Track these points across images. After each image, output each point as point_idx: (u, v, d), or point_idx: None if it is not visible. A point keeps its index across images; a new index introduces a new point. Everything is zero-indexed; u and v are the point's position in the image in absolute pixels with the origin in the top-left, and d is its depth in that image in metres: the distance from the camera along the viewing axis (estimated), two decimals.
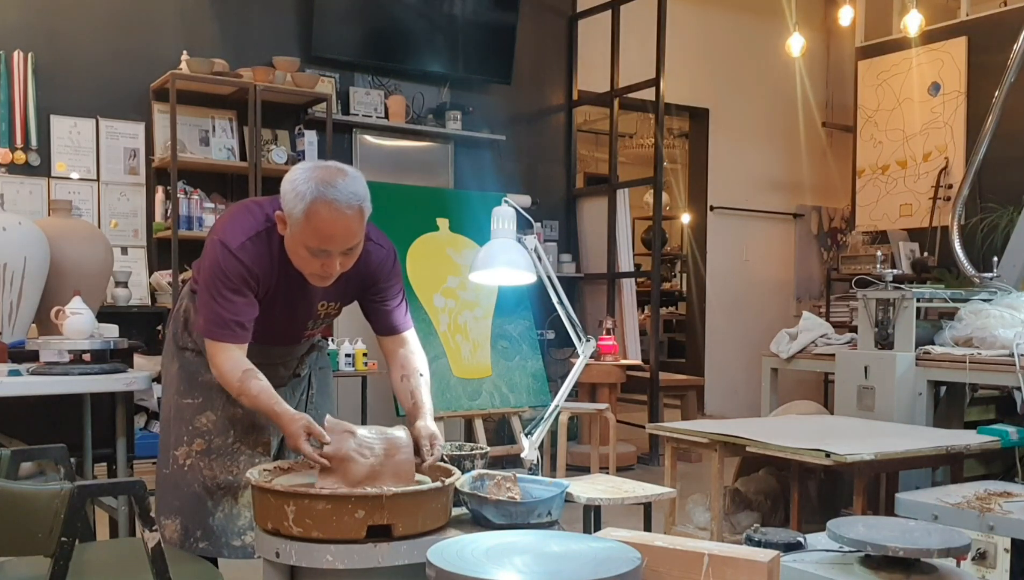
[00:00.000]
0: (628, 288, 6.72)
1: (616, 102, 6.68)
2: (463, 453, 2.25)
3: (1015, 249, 4.72)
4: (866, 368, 3.91)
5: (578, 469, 5.21)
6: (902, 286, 3.99)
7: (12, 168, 4.92)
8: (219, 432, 2.30)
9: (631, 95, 6.57)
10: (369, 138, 5.99)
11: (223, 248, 2.07)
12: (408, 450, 1.97)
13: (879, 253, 4.43)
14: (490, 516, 1.91)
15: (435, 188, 5.98)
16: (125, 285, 4.85)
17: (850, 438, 3.16)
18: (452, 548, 1.56)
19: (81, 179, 5.10)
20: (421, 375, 2.28)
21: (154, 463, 5.14)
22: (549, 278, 2.46)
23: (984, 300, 4.01)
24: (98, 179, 5.15)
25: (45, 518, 1.62)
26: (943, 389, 3.97)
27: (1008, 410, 3.97)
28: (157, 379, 4.92)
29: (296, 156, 5.40)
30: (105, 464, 3.21)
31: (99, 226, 5.03)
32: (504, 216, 2.40)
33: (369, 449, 1.91)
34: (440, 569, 1.46)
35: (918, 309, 3.93)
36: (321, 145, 5.47)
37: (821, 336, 4.48)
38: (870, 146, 7.43)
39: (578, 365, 2.47)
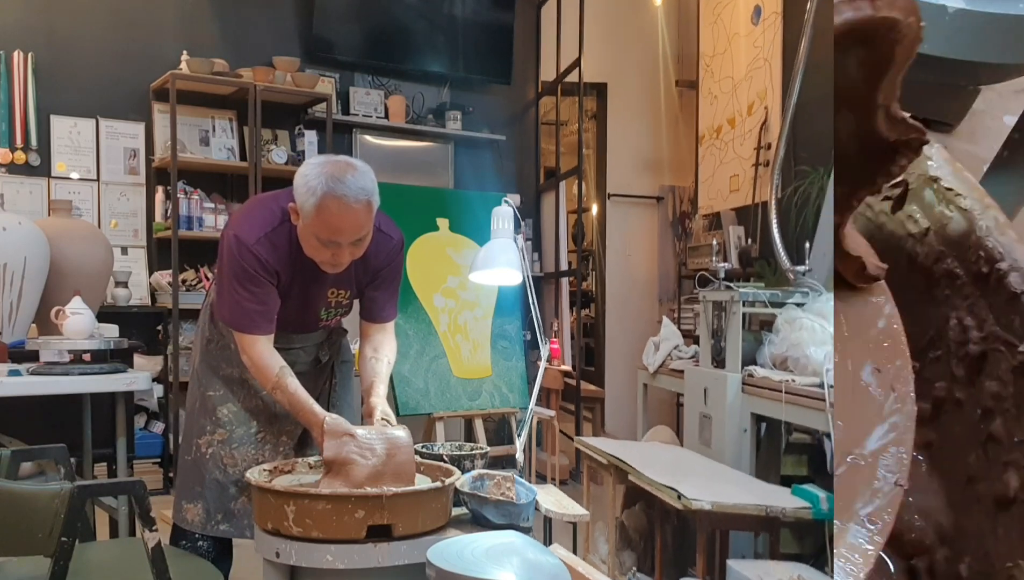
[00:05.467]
0: (564, 289, 6.34)
1: (559, 89, 6.38)
2: (463, 453, 2.25)
3: (823, 234, 4.45)
4: (705, 391, 3.73)
5: (542, 477, 5.05)
6: (732, 285, 3.84)
7: (12, 168, 4.92)
8: (240, 422, 2.35)
9: (568, 80, 6.14)
10: (369, 138, 5.99)
11: (238, 243, 2.15)
12: (408, 450, 1.97)
13: (715, 242, 4.21)
14: (490, 516, 1.91)
15: (435, 188, 5.97)
16: (125, 285, 4.85)
17: (696, 476, 3.04)
18: (452, 548, 1.56)
19: (81, 179, 5.10)
20: (388, 363, 2.40)
21: (154, 463, 5.16)
22: (529, 279, 2.48)
23: (798, 304, 3.84)
24: (98, 179, 5.15)
25: (45, 518, 1.62)
26: (763, 426, 3.80)
27: (818, 465, 3.82)
28: (157, 379, 4.96)
29: (296, 156, 5.40)
30: (105, 464, 3.21)
31: (99, 226, 5.03)
32: (504, 216, 2.41)
33: (371, 450, 1.91)
34: (440, 569, 1.46)
35: (744, 315, 3.72)
36: (321, 145, 5.47)
37: (675, 347, 4.08)
38: (708, 103, 6.41)
39: (541, 368, 2.48)
